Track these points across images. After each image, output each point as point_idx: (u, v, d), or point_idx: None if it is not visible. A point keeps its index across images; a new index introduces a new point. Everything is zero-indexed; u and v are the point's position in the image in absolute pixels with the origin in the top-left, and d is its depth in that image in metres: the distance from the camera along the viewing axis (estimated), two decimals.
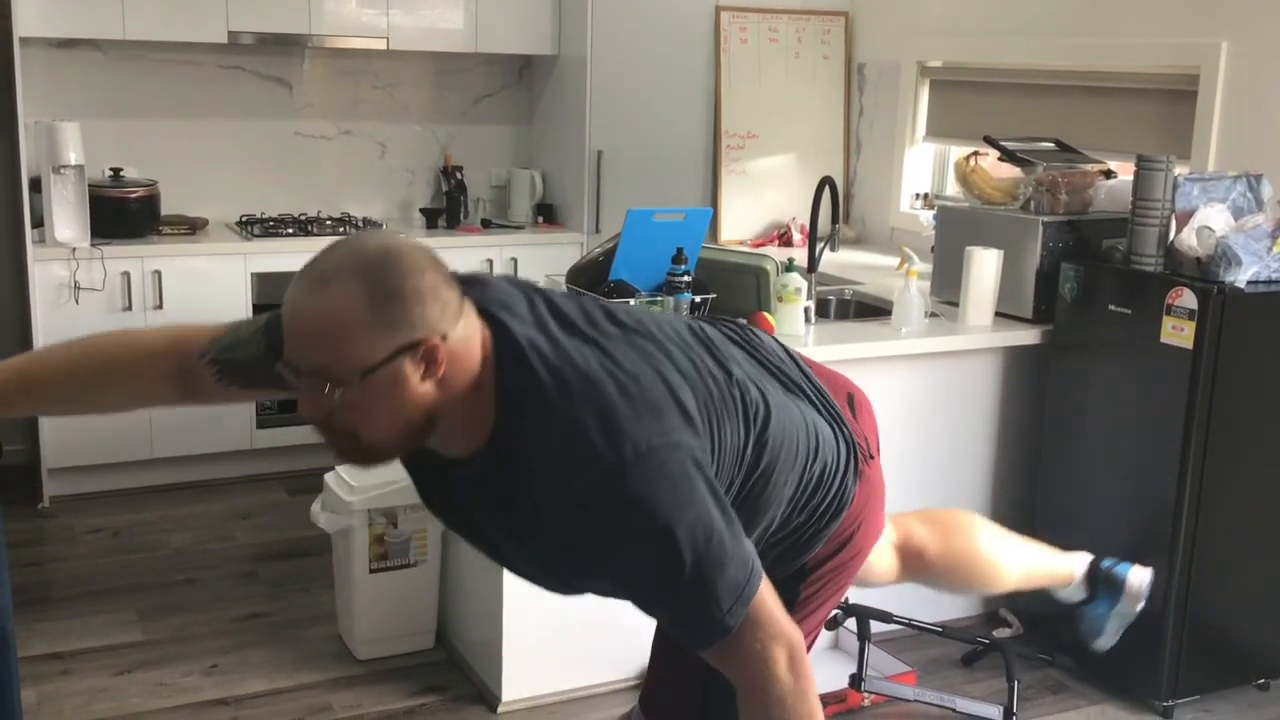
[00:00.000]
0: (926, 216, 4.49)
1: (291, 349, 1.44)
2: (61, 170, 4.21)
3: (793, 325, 3.24)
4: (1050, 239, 3.44)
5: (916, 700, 3.19)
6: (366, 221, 4.95)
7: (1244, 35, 3.52)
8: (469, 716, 3.10)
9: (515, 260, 4.91)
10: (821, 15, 5.12)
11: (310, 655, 3.37)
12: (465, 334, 1.47)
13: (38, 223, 4.26)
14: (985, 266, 3.45)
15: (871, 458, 1.93)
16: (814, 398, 1.86)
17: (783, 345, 1.92)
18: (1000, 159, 3.71)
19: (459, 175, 5.11)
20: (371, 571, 3.28)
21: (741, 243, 4.98)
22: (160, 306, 4.36)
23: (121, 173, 4.52)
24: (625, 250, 3.23)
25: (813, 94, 5.13)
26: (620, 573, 1.51)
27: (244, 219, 4.84)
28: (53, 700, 3.09)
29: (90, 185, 4.29)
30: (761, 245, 4.95)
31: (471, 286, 1.55)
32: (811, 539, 1.84)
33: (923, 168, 4.92)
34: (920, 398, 3.48)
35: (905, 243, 4.20)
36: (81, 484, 4.44)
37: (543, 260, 4.73)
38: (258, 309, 4.53)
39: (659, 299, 3.20)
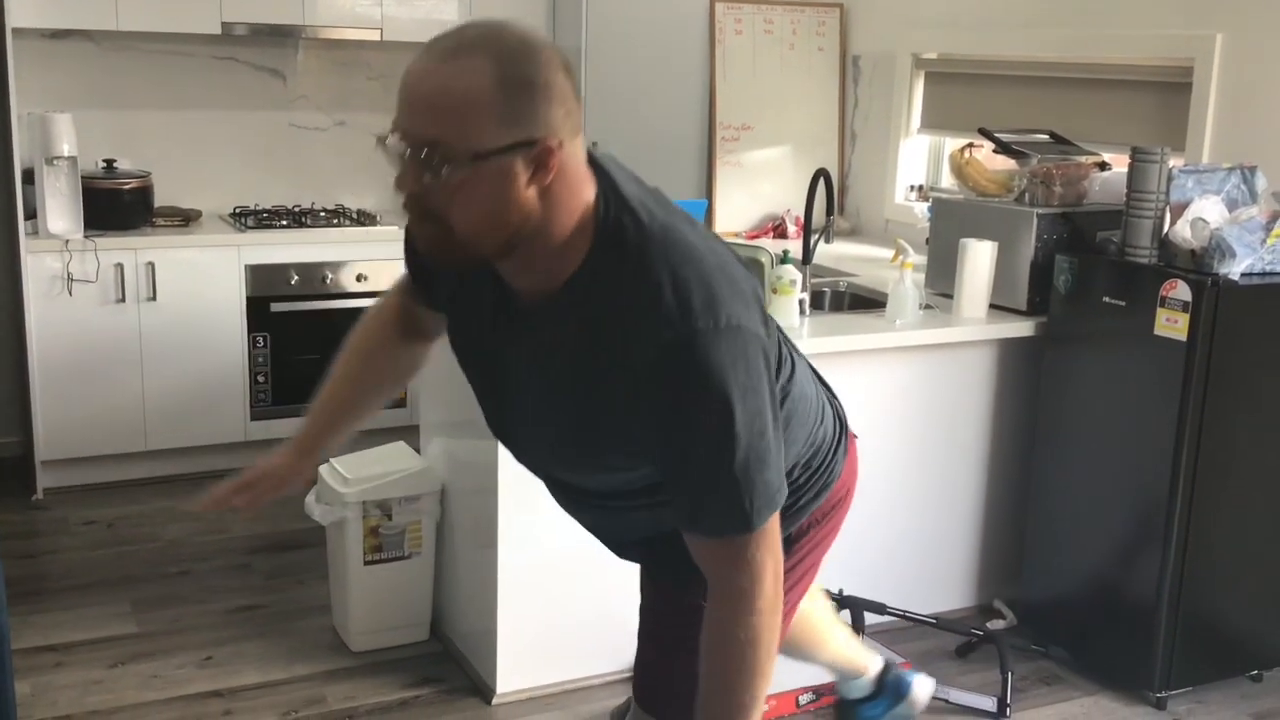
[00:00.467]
0: (921, 208, 4.49)
1: (407, 115, 1.39)
2: (54, 162, 4.19)
3: (787, 317, 3.24)
4: (1045, 231, 3.44)
5: None
6: (361, 213, 4.94)
7: (1239, 27, 3.52)
8: (464, 708, 3.10)
9: None
10: (816, 7, 5.12)
11: (304, 647, 3.37)
12: (578, 157, 1.44)
13: (30, 214, 4.25)
14: (980, 258, 3.45)
15: (854, 435, 1.95)
16: (813, 372, 1.90)
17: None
18: (995, 151, 3.70)
19: None
20: (366, 563, 3.27)
21: (736, 235, 4.97)
22: (154, 298, 4.35)
23: (115, 164, 4.50)
24: None
25: (807, 86, 5.12)
26: (667, 440, 1.46)
27: (238, 210, 4.83)
28: (46, 692, 3.09)
29: (83, 177, 4.28)
30: (756, 237, 4.95)
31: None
32: (804, 506, 1.85)
33: (918, 159, 4.92)
34: (915, 390, 3.48)
35: (900, 235, 4.20)
36: (75, 476, 4.43)
37: None
38: (252, 301, 4.53)
39: None
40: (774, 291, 3.25)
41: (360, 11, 4.73)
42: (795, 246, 3.96)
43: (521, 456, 1.77)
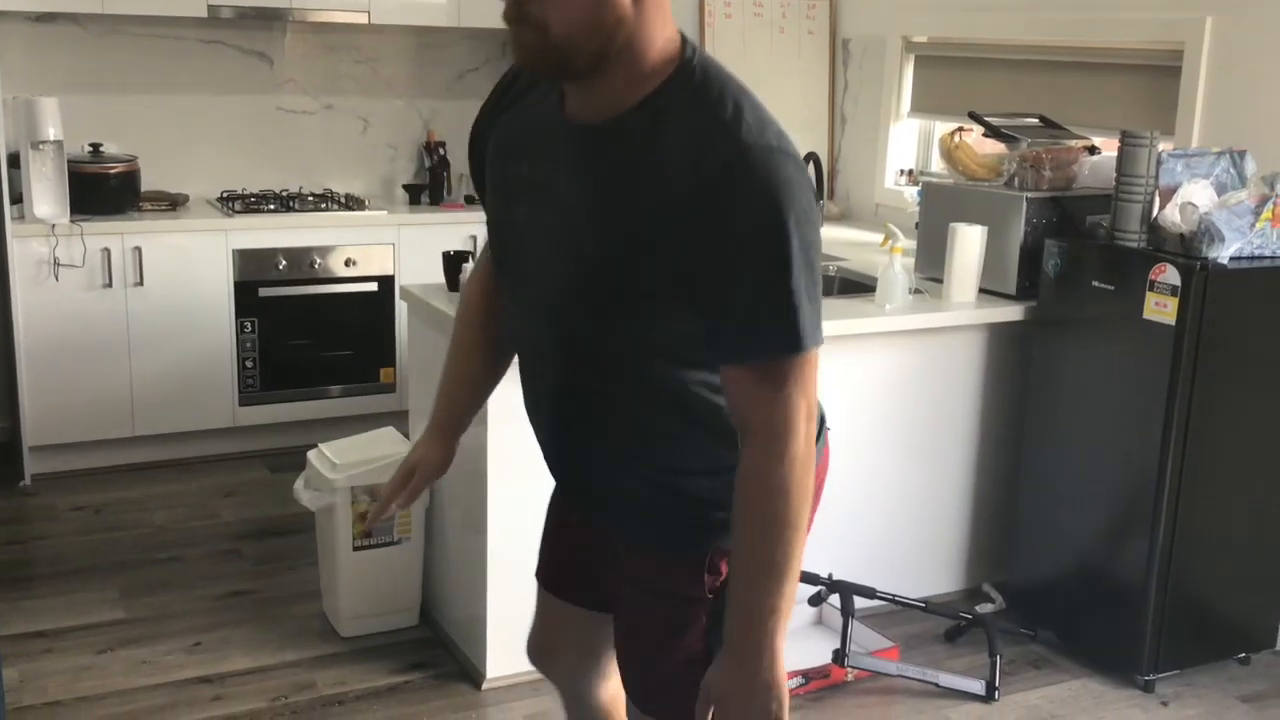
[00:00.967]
0: (911, 193, 4.49)
1: None
2: (40, 146, 4.17)
3: None
4: (1034, 215, 3.44)
5: (899, 675, 3.20)
6: (349, 198, 4.92)
7: (1228, 11, 3.51)
8: (453, 693, 3.10)
9: None
10: None
11: (294, 633, 3.36)
12: None
13: (16, 199, 4.23)
14: (969, 243, 3.44)
15: (829, 428, 1.93)
16: None
17: None
18: (985, 135, 3.70)
19: (442, 151, 5.08)
20: (355, 549, 3.27)
21: None
22: (141, 283, 4.33)
23: (101, 148, 4.48)
24: None
25: (797, 69, 5.11)
26: (720, 256, 1.47)
27: (225, 195, 4.81)
28: (35, 679, 3.09)
29: (69, 161, 4.26)
30: None
31: None
32: None
33: (907, 144, 4.91)
34: (904, 374, 3.49)
35: (890, 219, 4.19)
36: (63, 462, 4.42)
37: None
38: (240, 286, 4.51)
39: None
40: None
41: None
42: None
43: (530, 322, 1.72)
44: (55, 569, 3.72)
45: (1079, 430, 3.34)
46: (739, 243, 1.46)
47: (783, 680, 1.55)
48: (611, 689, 2.05)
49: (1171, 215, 3.10)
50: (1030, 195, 3.44)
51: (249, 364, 4.59)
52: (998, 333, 3.56)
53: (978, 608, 3.58)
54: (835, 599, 3.28)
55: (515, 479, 3.00)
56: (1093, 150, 3.62)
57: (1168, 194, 3.15)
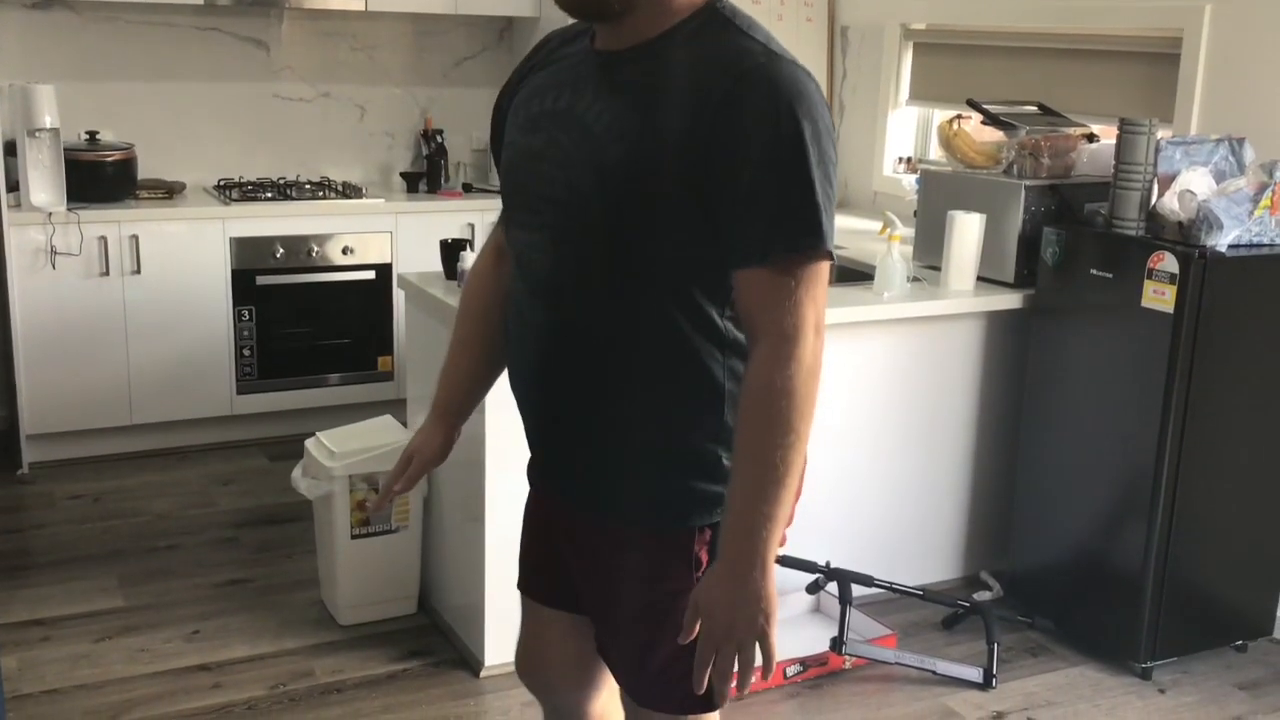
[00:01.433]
0: (909, 180, 4.48)
1: None
2: (36, 133, 4.16)
3: None
4: (1032, 203, 3.43)
5: (897, 663, 3.21)
6: (346, 186, 4.91)
7: None
8: (452, 681, 3.11)
9: None
10: None
11: (292, 621, 3.37)
12: None
13: (13, 187, 4.22)
14: (967, 231, 3.44)
15: None
16: None
17: None
18: (983, 122, 3.69)
19: (439, 139, 5.07)
20: (353, 537, 3.27)
21: None
22: (138, 271, 4.33)
23: (98, 136, 4.47)
24: None
25: (796, 56, 5.09)
26: (748, 151, 1.51)
27: (222, 183, 4.80)
28: (34, 667, 3.09)
29: (66, 149, 4.25)
30: None
31: None
32: None
33: (906, 131, 4.90)
34: (902, 362, 3.49)
35: (888, 207, 4.19)
36: (61, 450, 4.42)
37: None
38: (237, 274, 4.50)
39: None
40: None
41: None
42: None
43: (533, 256, 1.71)
44: (53, 557, 3.72)
45: (1077, 418, 3.34)
46: (763, 143, 1.51)
47: (773, 593, 1.54)
48: (602, 702, 2.04)
49: (1170, 203, 3.10)
50: (1029, 183, 3.43)
51: (246, 352, 4.59)
52: (996, 321, 3.56)
53: (975, 595, 3.58)
54: (833, 587, 3.29)
55: (514, 467, 2.98)
56: (1091, 138, 3.61)
57: (1166, 182, 3.15)
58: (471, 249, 3.11)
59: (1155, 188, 3.17)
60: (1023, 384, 3.54)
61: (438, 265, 3.32)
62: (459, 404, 1.99)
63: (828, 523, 3.39)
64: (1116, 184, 3.18)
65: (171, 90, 4.80)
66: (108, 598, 3.47)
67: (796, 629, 3.32)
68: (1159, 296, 3.06)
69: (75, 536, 3.86)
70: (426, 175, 5.05)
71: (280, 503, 4.09)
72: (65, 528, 3.93)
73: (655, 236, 1.58)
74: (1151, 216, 3.16)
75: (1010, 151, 3.53)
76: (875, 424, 3.48)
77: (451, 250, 3.25)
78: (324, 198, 4.76)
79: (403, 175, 5.10)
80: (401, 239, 4.72)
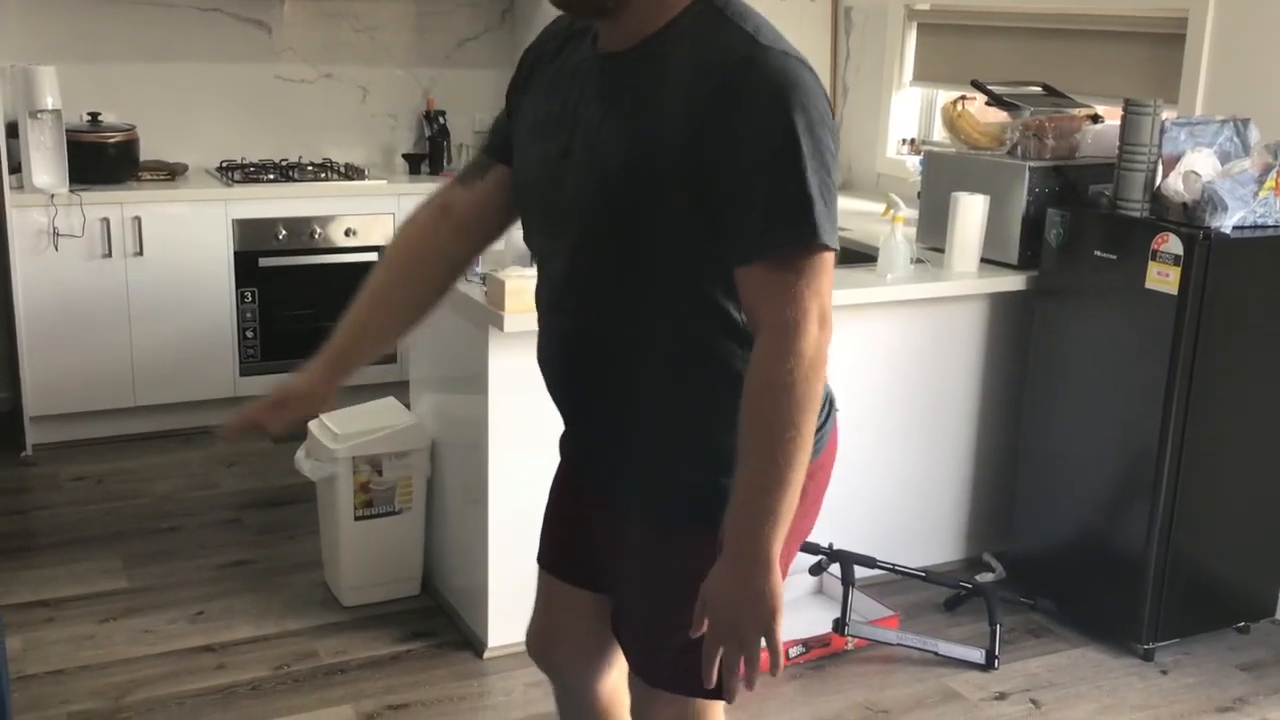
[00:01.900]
0: (913, 162, 4.47)
1: None
2: (38, 115, 4.15)
3: None
4: (1036, 184, 3.42)
5: (899, 644, 3.21)
6: (349, 167, 4.90)
7: None
8: (455, 662, 3.11)
9: None
10: None
11: (296, 602, 3.37)
12: None
13: (15, 168, 4.21)
14: (971, 212, 3.43)
15: (838, 410, 1.91)
16: None
17: None
18: (987, 103, 3.68)
19: (442, 120, 5.06)
20: (356, 519, 3.28)
21: None
22: (141, 253, 4.32)
23: (99, 117, 4.46)
24: None
25: (799, 37, 5.03)
26: (741, 148, 1.50)
27: (224, 165, 4.79)
28: (38, 647, 3.10)
29: (68, 130, 4.24)
30: None
31: None
32: None
33: (909, 113, 4.88)
34: (905, 344, 3.48)
35: (891, 188, 4.18)
36: (64, 432, 4.43)
37: None
38: (239, 255, 4.50)
39: None
40: None
41: None
42: None
43: (549, 262, 1.73)
44: (57, 538, 3.73)
45: (1080, 400, 3.34)
46: (753, 139, 1.50)
47: (778, 588, 1.54)
48: (612, 682, 2.04)
49: (1174, 184, 3.09)
50: (1033, 164, 3.42)
51: (249, 334, 4.59)
52: (999, 302, 3.55)
53: (977, 577, 3.59)
54: (835, 568, 3.29)
55: (516, 450, 3.00)
56: (1096, 119, 3.60)
57: (1171, 163, 3.14)
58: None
59: (1160, 169, 3.15)
60: (1026, 366, 3.53)
61: None
62: (355, 354, 1.87)
63: (830, 504, 3.38)
64: (1121, 165, 3.17)
65: (173, 71, 4.78)
66: (112, 579, 3.47)
67: (799, 610, 3.33)
68: (1163, 278, 3.05)
69: (79, 518, 3.87)
70: (429, 157, 5.04)
71: (283, 484, 4.09)
72: (69, 509, 3.93)
73: (666, 239, 1.59)
74: (1156, 198, 3.15)
75: (1014, 132, 3.52)
76: (878, 406, 3.48)
77: None
78: (326, 179, 4.75)
79: (405, 157, 5.09)
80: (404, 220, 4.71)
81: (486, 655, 3.12)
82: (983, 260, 3.49)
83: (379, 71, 5.10)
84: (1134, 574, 3.21)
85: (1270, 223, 3.10)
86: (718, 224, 1.55)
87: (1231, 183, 3.02)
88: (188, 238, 4.42)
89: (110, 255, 4.30)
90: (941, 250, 3.53)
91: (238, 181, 4.59)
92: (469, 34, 5.21)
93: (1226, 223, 3.01)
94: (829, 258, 1.53)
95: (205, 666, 3.05)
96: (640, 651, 1.85)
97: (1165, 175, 3.13)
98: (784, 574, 1.62)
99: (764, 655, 1.58)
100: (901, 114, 4.86)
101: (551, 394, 1.82)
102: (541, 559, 2.02)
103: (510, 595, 3.11)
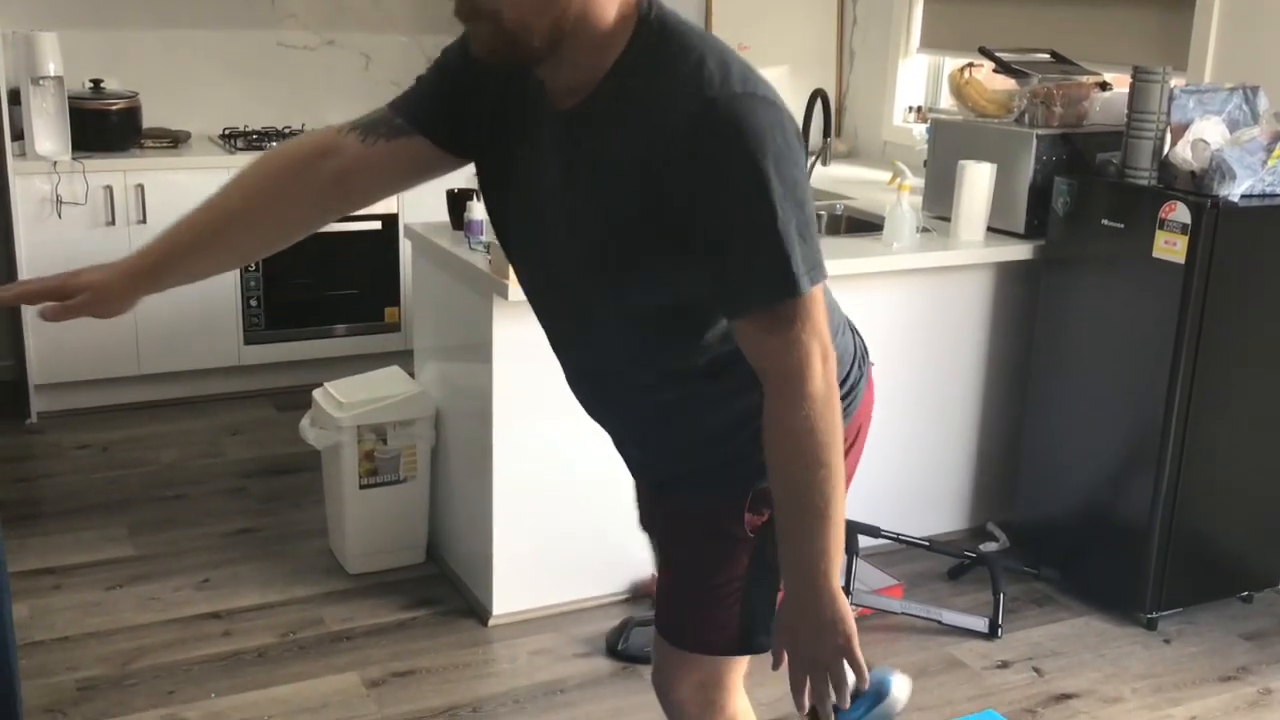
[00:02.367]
0: (919, 130, 4.45)
1: None
2: (40, 81, 4.13)
3: None
4: (1044, 152, 3.40)
5: (903, 613, 3.22)
6: None
7: None
8: (460, 629, 3.13)
9: None
10: None
11: (301, 569, 3.38)
12: None
13: (17, 135, 4.20)
14: (978, 180, 3.41)
15: (872, 363, 1.94)
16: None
17: None
18: (995, 71, 3.65)
19: None
20: (361, 487, 3.28)
21: None
22: (144, 221, 4.31)
23: (102, 84, 4.44)
24: None
25: (805, 4, 5.04)
26: (709, 203, 1.47)
27: (227, 132, 4.77)
28: (45, 615, 3.11)
29: (70, 97, 4.22)
30: None
31: None
32: None
33: (917, 80, 4.86)
34: (911, 313, 3.47)
35: (898, 156, 4.16)
36: (69, 400, 4.43)
37: None
38: None
39: None
40: None
41: None
42: None
43: (556, 322, 1.74)
44: (63, 506, 3.74)
45: (1086, 369, 3.33)
46: (719, 197, 1.46)
47: (845, 614, 1.57)
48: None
49: (1183, 152, 3.07)
50: (1040, 132, 3.40)
51: (253, 303, 4.58)
52: (1006, 271, 3.54)
53: (981, 546, 3.59)
54: None
55: (520, 418, 3.00)
56: (1104, 86, 3.57)
57: (1179, 131, 3.12)
58: (478, 198, 3.09)
59: (1168, 137, 3.13)
60: (1032, 335, 3.52)
61: (444, 216, 3.30)
62: (169, 276, 1.73)
63: None
64: (1129, 133, 3.15)
65: (175, 38, 4.76)
66: (117, 547, 3.48)
67: None
68: (1170, 247, 3.04)
69: (84, 486, 3.88)
70: None
71: (288, 453, 4.10)
72: (74, 477, 3.94)
73: (660, 292, 1.59)
74: (1164, 166, 3.13)
75: (1022, 100, 3.49)
76: (883, 375, 3.45)
77: (458, 200, 3.23)
78: None
79: None
80: (408, 190, 4.69)
81: (491, 623, 3.13)
82: (989, 229, 3.48)
83: (382, 38, 5.07)
84: (1138, 543, 3.21)
85: (1279, 191, 3.08)
86: (702, 277, 1.53)
87: (1240, 151, 3.00)
88: (191, 205, 4.36)
89: (114, 223, 4.28)
90: (948, 219, 3.51)
91: (241, 149, 4.58)
92: None
93: (1235, 191, 2.99)
94: (818, 291, 1.51)
95: (211, 633, 3.06)
96: (669, 609, 1.90)
97: (1174, 143, 3.11)
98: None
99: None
100: (908, 81, 4.83)
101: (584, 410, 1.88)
102: (639, 522, 2.06)
103: (515, 563, 3.12)
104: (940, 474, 3.67)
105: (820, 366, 1.51)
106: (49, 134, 4.17)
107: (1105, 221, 3.21)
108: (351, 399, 3.26)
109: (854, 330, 1.92)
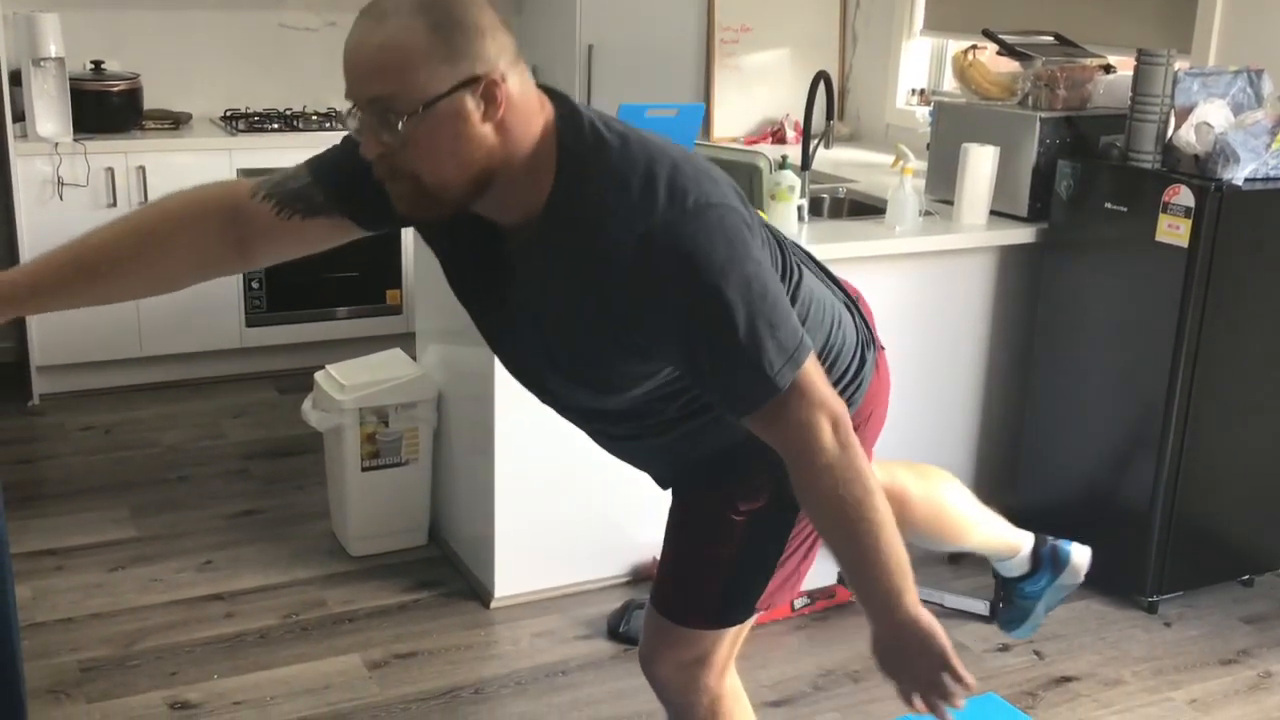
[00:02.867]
0: (923, 113, 4.43)
1: (353, 84, 1.48)
2: (42, 63, 4.12)
3: (786, 224, 3.21)
4: (1047, 135, 3.39)
5: None
6: None
7: None
8: (462, 611, 3.13)
9: None
10: None
11: (304, 552, 3.39)
12: (524, 87, 1.48)
13: (19, 117, 4.19)
14: (981, 164, 3.41)
15: (882, 347, 1.95)
16: (833, 284, 1.90)
17: (798, 245, 1.94)
18: (999, 53, 3.64)
19: None
20: (363, 470, 3.28)
21: (734, 140, 4.91)
22: (145, 203, 4.29)
23: (103, 65, 4.42)
24: None
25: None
26: (673, 327, 1.49)
27: (229, 114, 4.76)
28: (47, 596, 3.12)
29: (71, 78, 4.21)
30: (755, 142, 4.89)
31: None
32: None
33: (920, 62, 4.84)
34: (914, 297, 3.47)
35: (901, 139, 4.15)
36: (71, 382, 4.43)
37: None
38: None
39: None
40: (772, 198, 3.22)
41: None
42: (794, 152, 3.91)
43: (546, 397, 1.79)
44: (65, 488, 3.74)
45: (1088, 353, 3.33)
46: (678, 324, 1.49)
47: (929, 634, 1.58)
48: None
49: (1187, 135, 3.06)
50: (1044, 115, 3.39)
51: (255, 285, 4.58)
52: (1009, 255, 3.53)
53: None
54: None
55: (521, 401, 2.97)
56: (1108, 69, 3.56)
57: (1183, 114, 3.11)
58: None
59: (1172, 120, 3.13)
60: (1034, 318, 3.52)
61: None
62: (46, 302, 1.68)
63: None
64: (1133, 116, 3.14)
65: (176, 19, 4.74)
66: (120, 528, 3.49)
67: None
68: (1174, 230, 3.03)
69: (86, 467, 3.89)
70: None
71: (290, 435, 4.10)
72: (76, 459, 3.95)
73: (644, 383, 1.64)
74: (1168, 149, 3.12)
75: (1026, 83, 3.48)
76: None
77: None
78: (331, 129, 4.71)
79: None
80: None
81: (493, 605, 3.14)
82: (992, 212, 3.47)
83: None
84: (1139, 527, 3.21)
85: None
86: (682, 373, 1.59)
87: (1244, 134, 2.99)
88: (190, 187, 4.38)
89: (115, 205, 4.28)
90: (950, 202, 3.50)
91: (242, 131, 4.57)
92: None
93: (1238, 175, 2.99)
94: (806, 365, 1.51)
95: (214, 615, 3.07)
96: (662, 577, 1.95)
97: (1177, 126, 3.10)
98: None
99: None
100: (911, 64, 4.82)
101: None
102: None
103: (517, 545, 3.12)
104: (941, 457, 3.66)
105: (830, 435, 1.52)
106: (50, 115, 4.16)
107: (1108, 205, 3.21)
108: (353, 381, 3.26)
109: (857, 313, 1.93)
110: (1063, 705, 2.85)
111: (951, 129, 3.62)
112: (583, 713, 2.76)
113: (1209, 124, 3.04)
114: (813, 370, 1.53)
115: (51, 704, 2.69)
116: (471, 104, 1.42)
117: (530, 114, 1.49)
